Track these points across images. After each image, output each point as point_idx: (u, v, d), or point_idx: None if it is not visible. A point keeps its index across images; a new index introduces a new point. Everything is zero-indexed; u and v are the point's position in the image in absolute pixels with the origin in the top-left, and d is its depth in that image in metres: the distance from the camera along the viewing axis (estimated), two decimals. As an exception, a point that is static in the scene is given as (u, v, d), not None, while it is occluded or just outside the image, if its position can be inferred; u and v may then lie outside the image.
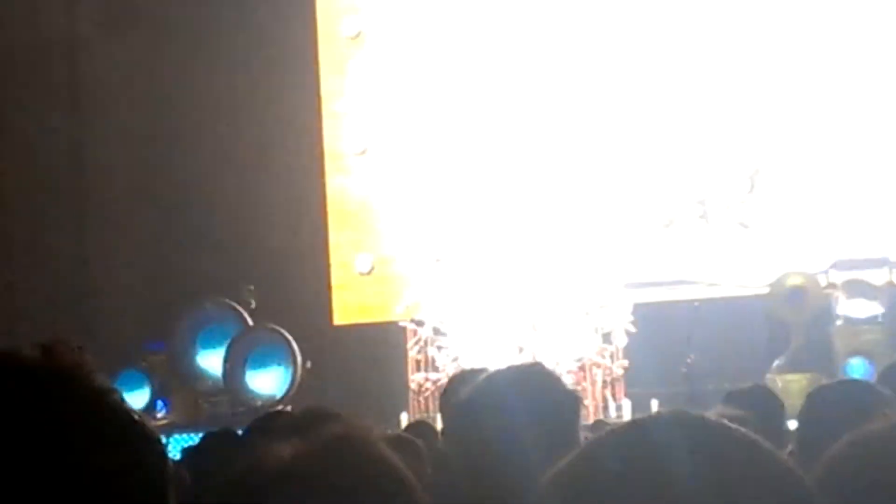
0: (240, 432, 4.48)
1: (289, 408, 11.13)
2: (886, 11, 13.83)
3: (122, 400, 1.76)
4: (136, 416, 1.77)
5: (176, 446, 10.40)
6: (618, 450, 1.73)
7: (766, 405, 5.29)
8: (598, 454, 1.74)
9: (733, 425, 1.76)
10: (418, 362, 13.06)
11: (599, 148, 14.30)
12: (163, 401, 13.26)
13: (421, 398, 12.80)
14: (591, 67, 14.41)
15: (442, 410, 4.56)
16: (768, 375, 11.82)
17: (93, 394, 1.72)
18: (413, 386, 12.98)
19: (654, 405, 10.62)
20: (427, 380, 12.85)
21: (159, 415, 13.14)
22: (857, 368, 11.99)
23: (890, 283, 12.80)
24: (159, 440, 1.80)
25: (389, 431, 5.64)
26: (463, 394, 4.05)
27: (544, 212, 14.01)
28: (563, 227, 13.86)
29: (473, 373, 4.84)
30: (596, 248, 13.77)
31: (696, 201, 14.08)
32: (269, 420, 2.96)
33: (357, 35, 14.98)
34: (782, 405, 5.54)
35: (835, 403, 4.11)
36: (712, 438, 1.74)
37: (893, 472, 2.31)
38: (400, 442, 3.75)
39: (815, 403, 4.29)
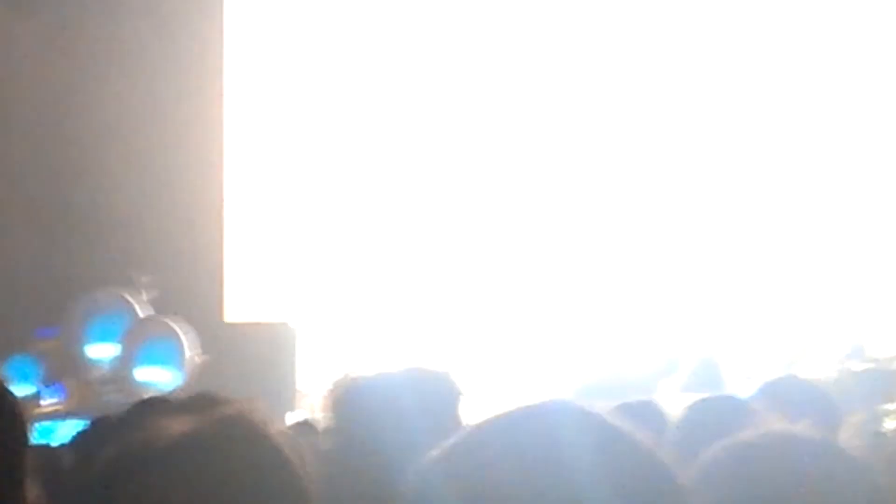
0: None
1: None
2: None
3: None
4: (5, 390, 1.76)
5: (71, 431, 10.31)
6: (504, 432, 1.77)
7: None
8: (485, 436, 1.76)
9: (610, 417, 1.81)
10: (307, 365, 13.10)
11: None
12: (59, 387, 13.07)
13: (307, 400, 12.79)
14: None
15: (326, 409, 4.51)
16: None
17: None
18: (301, 388, 13.01)
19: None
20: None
21: (53, 400, 12.99)
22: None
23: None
24: (19, 413, 1.79)
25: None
26: (350, 391, 4.07)
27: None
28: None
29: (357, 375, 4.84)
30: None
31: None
32: (156, 402, 2.95)
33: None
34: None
35: (711, 413, 4.25)
36: (592, 427, 1.78)
37: (763, 475, 2.43)
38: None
39: (693, 413, 4.41)
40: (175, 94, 14.59)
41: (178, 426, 2.20)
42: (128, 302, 13.28)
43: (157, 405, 2.76)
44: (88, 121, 14.81)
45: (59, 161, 14.97)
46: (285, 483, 2.20)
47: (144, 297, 13.37)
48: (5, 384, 1.71)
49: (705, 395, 4.76)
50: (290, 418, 12.11)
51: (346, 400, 4.21)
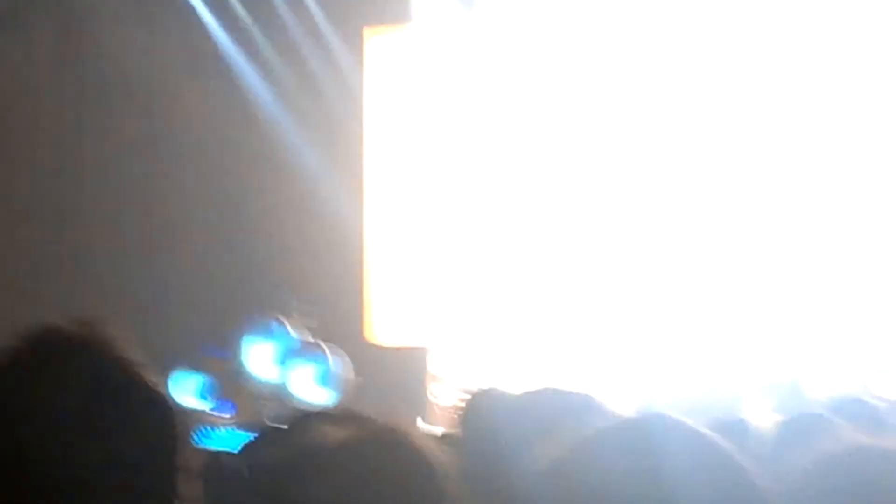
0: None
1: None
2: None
3: (147, 372, 1.87)
4: (158, 388, 1.85)
5: (238, 442, 10.36)
6: (610, 446, 1.80)
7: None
8: (592, 449, 1.82)
9: (709, 433, 1.84)
10: (439, 381, 13.06)
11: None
12: (227, 403, 13.25)
13: (440, 413, 12.78)
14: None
15: (456, 423, 4.47)
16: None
17: (120, 362, 1.79)
18: (435, 402, 13.00)
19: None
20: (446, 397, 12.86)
21: (222, 415, 13.19)
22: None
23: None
24: (174, 411, 1.88)
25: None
26: (479, 406, 4.00)
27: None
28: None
29: (491, 391, 4.74)
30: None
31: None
32: (315, 415, 2.98)
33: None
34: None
35: (801, 431, 4.11)
36: (692, 442, 1.82)
37: (853, 488, 2.33)
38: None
39: (784, 430, 4.30)
40: (319, 128, 14.86)
41: (337, 435, 2.29)
42: (286, 326, 13.32)
43: (316, 417, 2.79)
44: (247, 156, 15.22)
45: (222, 196, 15.34)
46: (431, 489, 2.24)
47: (300, 321, 13.41)
48: (159, 384, 1.78)
49: (794, 414, 4.66)
50: (428, 432, 12.15)
51: (475, 414, 4.18)
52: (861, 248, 13.48)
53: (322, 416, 2.65)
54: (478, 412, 4.14)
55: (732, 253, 13.75)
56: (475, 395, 4.40)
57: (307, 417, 2.95)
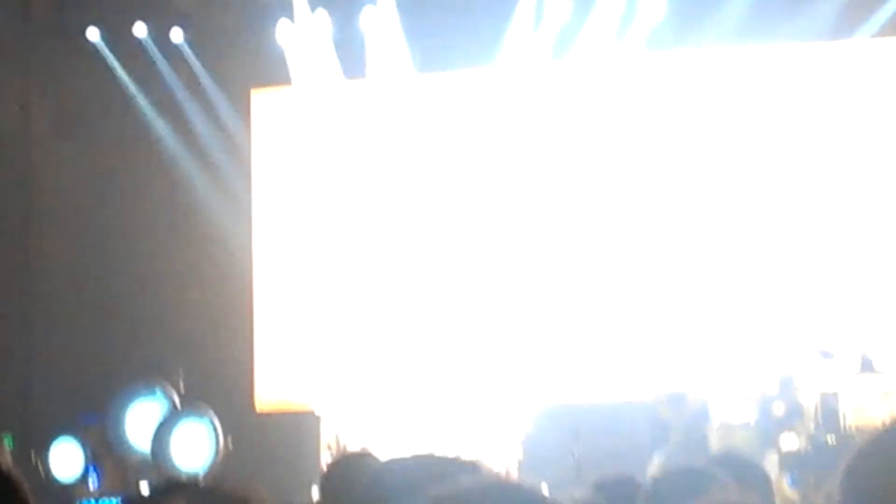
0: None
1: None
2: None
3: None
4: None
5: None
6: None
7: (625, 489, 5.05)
8: None
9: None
10: (329, 447, 12.83)
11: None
12: (95, 470, 12.79)
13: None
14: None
15: (323, 490, 4.45)
16: (649, 469, 11.54)
17: None
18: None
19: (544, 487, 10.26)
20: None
21: (91, 485, 12.83)
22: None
23: (762, 394, 12.58)
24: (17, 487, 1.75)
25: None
26: (363, 479, 3.74)
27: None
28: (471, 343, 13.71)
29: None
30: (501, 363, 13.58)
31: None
32: (174, 487, 2.63)
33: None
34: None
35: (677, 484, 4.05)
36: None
37: None
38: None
39: (660, 484, 4.26)
40: (206, 196, 14.56)
41: None
42: (166, 391, 13.01)
43: (173, 491, 2.55)
44: (133, 219, 14.85)
45: (100, 264, 14.91)
46: None
47: (181, 387, 13.08)
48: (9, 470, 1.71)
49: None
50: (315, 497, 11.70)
51: (333, 479, 4.21)
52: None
53: (178, 489, 2.44)
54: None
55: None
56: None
57: (164, 492, 2.65)
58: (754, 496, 2.78)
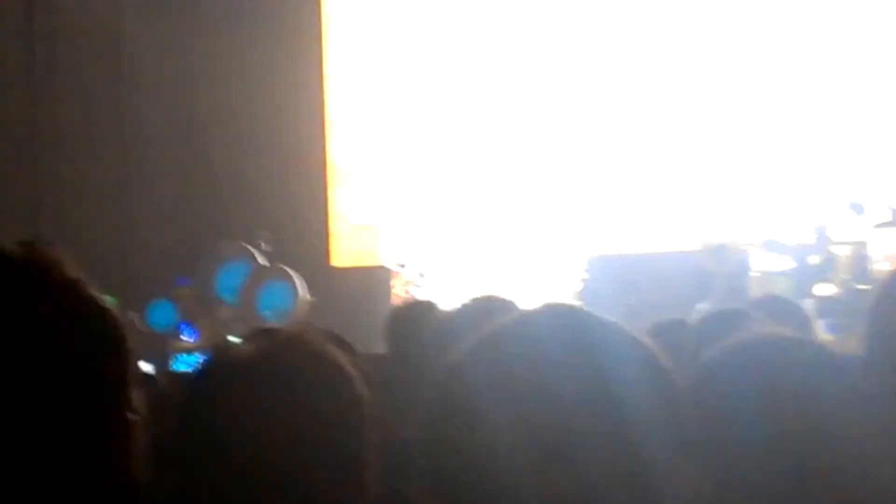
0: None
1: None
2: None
3: (90, 290, 1.77)
4: (103, 305, 1.77)
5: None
6: (517, 337, 1.71)
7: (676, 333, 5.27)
8: (499, 341, 1.72)
9: (612, 321, 1.74)
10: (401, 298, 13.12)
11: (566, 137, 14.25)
12: (188, 327, 13.17)
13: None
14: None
15: (390, 333, 4.48)
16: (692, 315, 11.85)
17: (65, 282, 1.73)
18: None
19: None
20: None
21: (189, 339, 13.16)
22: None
23: (799, 244, 12.82)
24: (120, 327, 1.78)
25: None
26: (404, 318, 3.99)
27: (516, 190, 14.05)
28: (531, 199, 13.93)
29: (421, 304, 4.80)
30: (559, 219, 13.83)
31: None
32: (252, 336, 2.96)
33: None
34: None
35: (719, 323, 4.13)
36: (598, 330, 1.72)
37: (756, 372, 2.30)
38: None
39: (704, 324, 4.31)
40: (276, 62, 14.75)
41: (246, 349, 2.25)
42: (250, 252, 13.31)
43: (248, 337, 2.74)
44: (208, 90, 15.05)
45: (186, 130, 15.19)
46: (344, 394, 2.18)
47: (263, 248, 13.40)
48: (104, 302, 1.72)
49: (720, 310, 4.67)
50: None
51: (399, 326, 4.22)
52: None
53: (255, 335, 2.48)
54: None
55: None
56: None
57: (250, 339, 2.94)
58: (790, 329, 2.57)
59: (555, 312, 1.73)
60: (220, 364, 2.26)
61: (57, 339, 1.69)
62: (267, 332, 2.33)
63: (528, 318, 1.73)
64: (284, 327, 2.47)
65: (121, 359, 1.75)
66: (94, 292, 1.77)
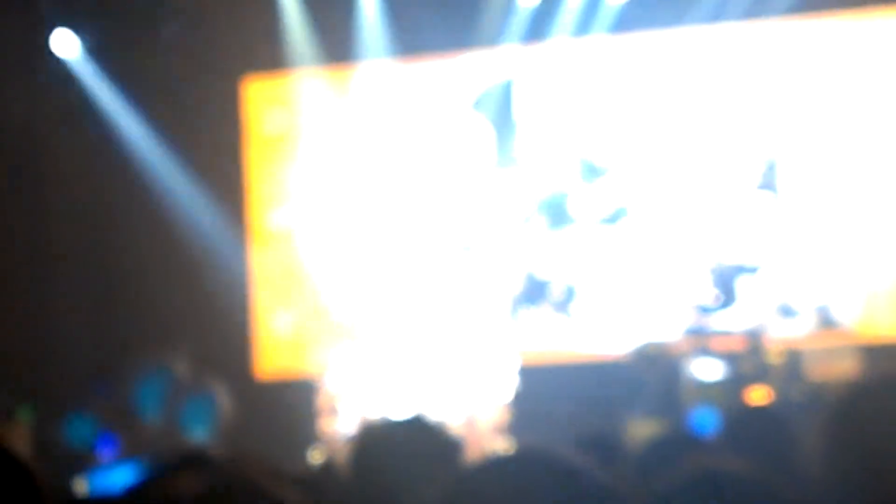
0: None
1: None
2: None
3: (6, 446, 1.70)
4: (22, 463, 1.76)
5: (123, 477, 10.33)
6: (488, 482, 1.82)
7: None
8: (470, 485, 1.83)
9: (573, 461, 1.85)
10: (327, 412, 13.02)
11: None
12: (108, 439, 13.05)
13: (329, 442, 12.71)
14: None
15: (348, 456, 4.44)
16: (629, 426, 11.87)
17: None
18: (323, 432, 12.94)
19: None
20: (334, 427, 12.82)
21: (108, 451, 13.00)
22: (703, 416, 12.12)
23: (730, 351, 12.88)
24: (38, 488, 1.77)
25: (300, 470, 5.60)
26: (361, 443, 4.05)
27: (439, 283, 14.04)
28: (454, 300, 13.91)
29: (373, 424, 4.78)
30: (488, 319, 13.82)
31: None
32: (184, 460, 2.93)
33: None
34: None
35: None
36: (559, 474, 1.82)
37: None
38: (305, 481, 3.73)
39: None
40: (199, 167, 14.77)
41: (193, 488, 2.21)
42: (173, 364, 13.23)
43: (183, 463, 2.63)
44: (128, 203, 15.04)
45: (107, 239, 15.17)
46: None
47: (185, 361, 13.33)
48: (19, 456, 1.65)
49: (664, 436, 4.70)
50: (315, 459, 12.06)
51: (366, 451, 4.20)
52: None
53: (193, 461, 2.52)
54: (365, 445, 4.17)
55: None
56: (362, 429, 4.44)
57: (177, 464, 2.76)
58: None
59: (531, 456, 1.84)
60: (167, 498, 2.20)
61: None
62: (204, 463, 2.29)
63: (508, 461, 1.85)
64: (216, 454, 2.47)
65: None
66: (10, 449, 1.73)
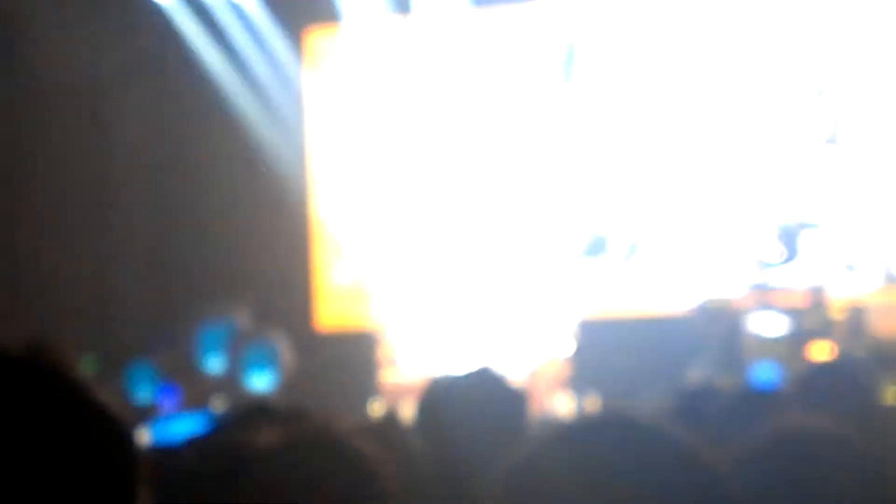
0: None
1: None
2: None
3: (99, 394, 1.70)
4: (112, 411, 1.71)
5: (185, 428, 10.38)
6: (567, 447, 1.75)
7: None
8: (550, 451, 1.75)
9: (659, 424, 1.79)
10: (387, 363, 13.08)
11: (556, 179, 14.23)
12: (170, 390, 13.14)
13: (389, 394, 12.77)
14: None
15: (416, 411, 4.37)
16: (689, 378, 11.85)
17: (70, 387, 1.66)
18: (383, 383, 12.99)
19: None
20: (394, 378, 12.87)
21: (170, 402, 13.10)
22: (765, 371, 12.08)
23: (794, 306, 12.81)
24: (130, 435, 1.73)
25: (362, 422, 5.61)
26: (429, 394, 4.04)
27: (503, 240, 14.00)
28: (517, 256, 13.88)
29: (441, 379, 4.71)
30: (549, 275, 13.77)
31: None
32: (252, 411, 2.90)
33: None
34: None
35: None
36: (644, 439, 1.77)
37: (803, 468, 2.28)
38: (370, 432, 3.69)
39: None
40: (264, 125, 14.78)
41: (270, 438, 2.20)
42: (235, 315, 13.30)
43: (256, 414, 2.69)
44: (194, 154, 15.13)
45: (171, 192, 15.24)
46: (370, 492, 2.17)
47: (249, 310, 13.39)
48: (113, 409, 1.64)
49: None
50: (375, 411, 12.12)
51: (433, 404, 4.16)
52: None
53: (261, 412, 2.54)
54: (434, 400, 4.12)
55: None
56: (431, 384, 4.33)
57: (245, 415, 2.79)
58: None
59: (609, 421, 1.78)
60: (238, 458, 2.19)
61: (63, 449, 1.62)
62: (287, 418, 2.28)
63: (586, 425, 1.79)
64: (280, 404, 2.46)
65: (129, 470, 1.68)
66: (103, 398, 1.71)
